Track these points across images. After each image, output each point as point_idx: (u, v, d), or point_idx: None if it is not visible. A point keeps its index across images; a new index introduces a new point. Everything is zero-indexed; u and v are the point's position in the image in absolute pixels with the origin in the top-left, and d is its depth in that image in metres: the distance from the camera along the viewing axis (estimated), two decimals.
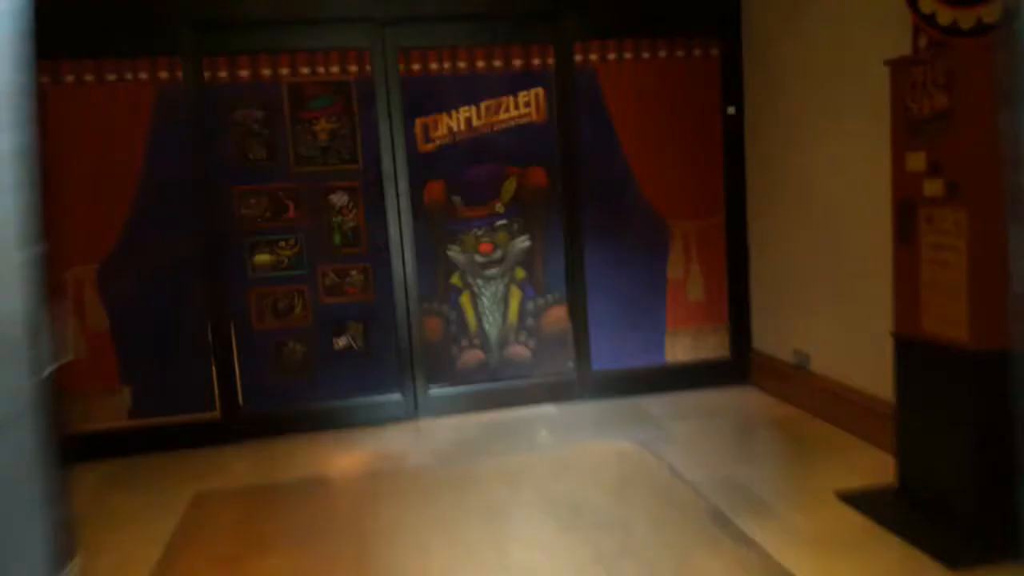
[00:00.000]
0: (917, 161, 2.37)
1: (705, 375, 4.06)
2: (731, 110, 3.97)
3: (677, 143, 3.94)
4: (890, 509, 2.53)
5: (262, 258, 3.64)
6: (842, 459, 2.99)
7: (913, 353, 2.48)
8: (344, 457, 3.38)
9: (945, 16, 2.41)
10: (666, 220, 3.97)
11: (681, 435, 3.39)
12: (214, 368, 3.60)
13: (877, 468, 2.83)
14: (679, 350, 4.06)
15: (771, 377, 3.90)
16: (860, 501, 2.58)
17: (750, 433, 3.40)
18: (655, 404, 3.85)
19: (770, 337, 3.96)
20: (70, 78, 3.40)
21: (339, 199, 3.69)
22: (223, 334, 3.60)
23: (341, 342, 3.74)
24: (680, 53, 3.90)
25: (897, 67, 2.47)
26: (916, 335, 2.44)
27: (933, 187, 2.31)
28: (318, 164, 3.66)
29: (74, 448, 3.45)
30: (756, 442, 3.29)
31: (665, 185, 3.95)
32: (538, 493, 2.84)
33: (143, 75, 3.46)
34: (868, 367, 3.10)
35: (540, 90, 3.81)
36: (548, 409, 3.88)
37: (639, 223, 3.94)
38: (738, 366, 4.09)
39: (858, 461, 2.95)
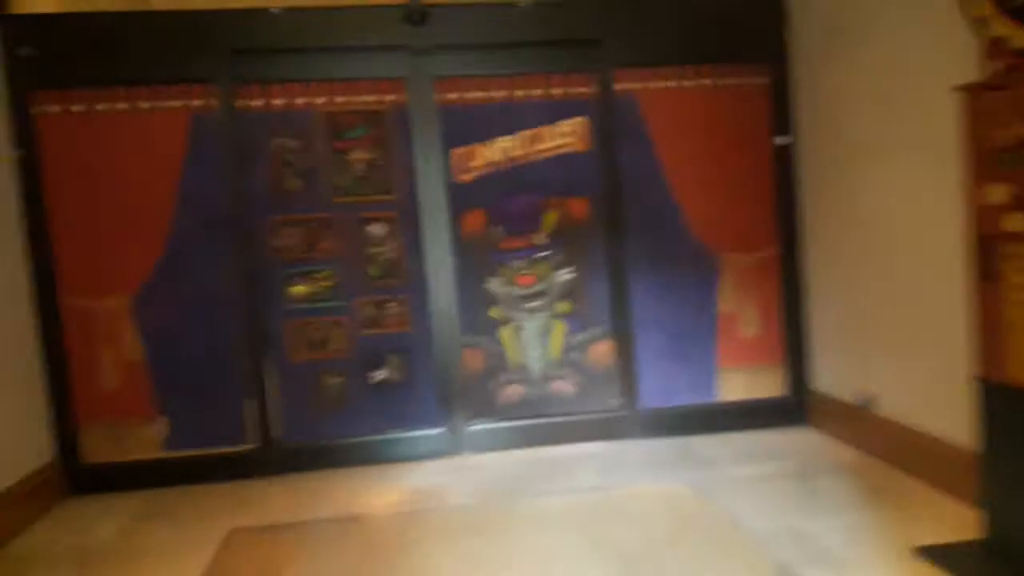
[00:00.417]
0: (997, 194, 2.19)
1: (760, 415, 3.84)
2: (782, 139, 3.81)
3: (725, 174, 3.78)
4: (976, 566, 2.29)
5: (298, 289, 3.55)
6: (916, 509, 2.75)
7: (998, 398, 2.26)
8: (381, 494, 3.23)
9: (1021, 39, 2.24)
10: (715, 253, 3.79)
11: (738, 479, 3.18)
12: (250, 400, 3.50)
13: (957, 520, 2.59)
14: (732, 388, 3.85)
15: (831, 419, 3.67)
16: (942, 557, 2.35)
17: (813, 479, 3.17)
18: (707, 445, 3.65)
19: (830, 376, 3.74)
20: (102, 107, 3.37)
21: (376, 230, 3.60)
22: (259, 366, 3.50)
23: (379, 375, 3.61)
24: (726, 81, 3.76)
25: (970, 93, 2.30)
26: (1000, 380, 2.23)
27: (1016, 221, 2.12)
28: (354, 195, 3.57)
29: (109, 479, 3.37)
30: (821, 489, 3.06)
31: (713, 217, 3.78)
32: (585, 540, 2.65)
33: (176, 103, 3.42)
34: (942, 410, 2.87)
35: (581, 119, 3.69)
36: (594, 447, 3.70)
37: (686, 256, 3.78)
38: (795, 406, 3.87)
39: (934, 512, 2.72)
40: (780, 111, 3.80)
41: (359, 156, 3.56)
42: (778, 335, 3.87)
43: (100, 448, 3.42)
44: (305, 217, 3.54)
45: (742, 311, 3.84)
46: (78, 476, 3.39)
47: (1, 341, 3.09)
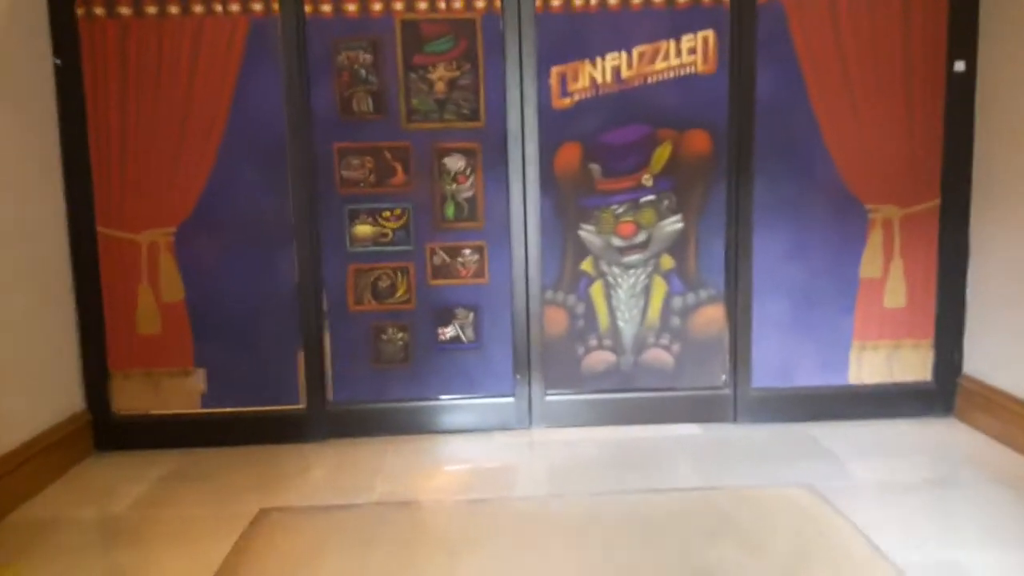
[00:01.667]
0: None
1: (897, 402, 3.21)
2: (959, 65, 3.04)
3: (885, 105, 3.06)
4: None
5: (363, 229, 3.10)
6: None
7: None
8: (440, 473, 2.81)
9: None
10: (864, 203, 3.11)
11: (872, 483, 2.59)
12: (302, 353, 3.11)
13: None
14: (867, 369, 3.21)
15: (985, 412, 3.00)
16: None
17: (970, 489, 2.54)
18: (832, 435, 3.04)
19: (988, 360, 3.05)
20: (152, 9, 2.94)
21: (455, 163, 3.09)
22: (314, 314, 3.09)
23: (448, 332, 3.16)
24: None
25: None
26: None
27: None
28: (434, 120, 3.05)
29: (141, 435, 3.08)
30: (981, 506, 2.43)
31: (865, 158, 3.09)
32: (681, 557, 2.14)
33: (234, 7, 2.95)
34: None
35: (710, 33, 3.03)
36: (692, 430, 3.16)
37: (828, 205, 3.11)
38: (941, 393, 3.20)
39: None
40: (960, 29, 3.03)
41: (441, 74, 3.04)
42: (929, 307, 3.19)
43: (134, 399, 3.10)
44: (375, 145, 3.06)
45: (889, 276, 3.16)
46: (108, 430, 3.09)
47: (34, 271, 2.78)
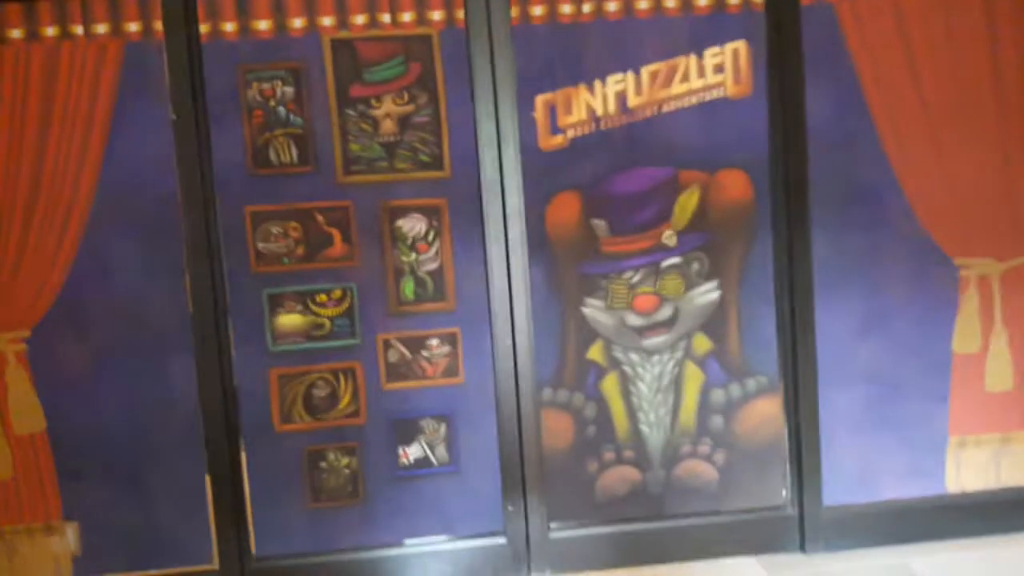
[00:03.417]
0: None
1: (1009, 514, 2.50)
2: None
3: (971, 129, 2.42)
4: None
5: (290, 319, 2.37)
6: None
7: None
8: None
9: None
10: (952, 257, 2.45)
11: None
12: (210, 494, 2.36)
13: None
14: (969, 472, 2.51)
15: None
16: None
17: None
18: (935, 566, 2.33)
19: None
20: None
21: (413, 226, 2.39)
22: (226, 439, 2.35)
23: (412, 453, 2.43)
24: None
25: None
26: None
27: None
28: (381, 171, 2.37)
29: None
30: None
31: (951, 199, 2.43)
32: None
33: (100, 29, 2.25)
34: None
35: (741, 44, 2.37)
36: (749, 567, 2.40)
37: (907, 262, 2.45)
38: None
39: None
40: None
41: (389, 109, 2.36)
42: None
43: None
44: (302, 206, 2.35)
45: (990, 351, 2.49)
46: None
47: None
